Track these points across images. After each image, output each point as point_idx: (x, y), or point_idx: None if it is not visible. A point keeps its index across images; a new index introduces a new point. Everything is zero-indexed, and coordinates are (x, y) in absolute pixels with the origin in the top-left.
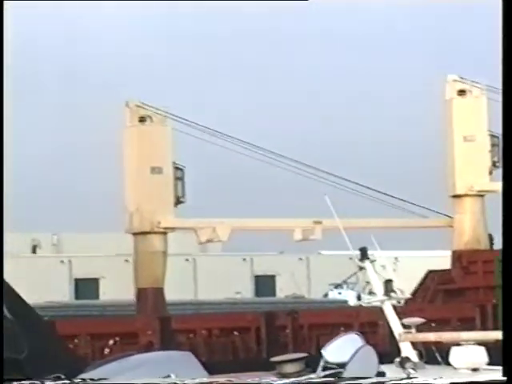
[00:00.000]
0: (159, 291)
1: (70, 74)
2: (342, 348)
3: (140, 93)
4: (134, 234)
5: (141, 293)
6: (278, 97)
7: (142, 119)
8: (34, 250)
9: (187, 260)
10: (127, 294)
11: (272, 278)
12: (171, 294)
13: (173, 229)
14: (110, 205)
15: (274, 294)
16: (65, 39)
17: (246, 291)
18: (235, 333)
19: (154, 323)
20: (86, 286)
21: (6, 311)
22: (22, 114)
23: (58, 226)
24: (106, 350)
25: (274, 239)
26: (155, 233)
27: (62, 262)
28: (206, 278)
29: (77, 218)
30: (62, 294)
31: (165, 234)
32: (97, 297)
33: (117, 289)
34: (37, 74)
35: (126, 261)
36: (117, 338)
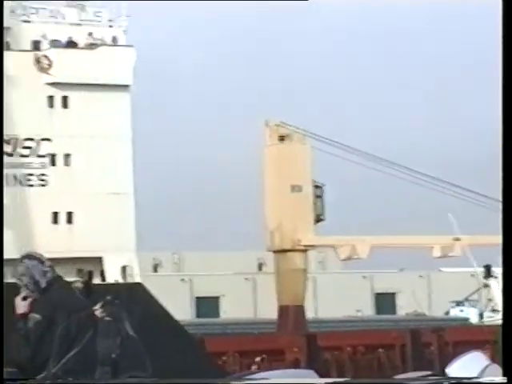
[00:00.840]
0: (300, 308)
1: (211, 93)
2: (467, 366)
3: (279, 112)
4: (275, 251)
5: (282, 310)
6: (416, 114)
7: (281, 138)
8: (155, 269)
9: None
10: (248, 313)
11: (392, 295)
12: None
13: (313, 246)
14: (234, 223)
15: (394, 311)
16: (204, 60)
17: (366, 309)
18: (380, 350)
19: (300, 340)
20: (206, 304)
21: (130, 330)
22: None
23: (180, 244)
24: (254, 367)
25: (394, 256)
26: (296, 250)
27: (182, 280)
28: (326, 296)
29: (199, 236)
30: (184, 312)
31: (305, 251)
32: (217, 315)
33: (237, 307)
34: (177, 91)
35: (246, 279)
36: (264, 356)
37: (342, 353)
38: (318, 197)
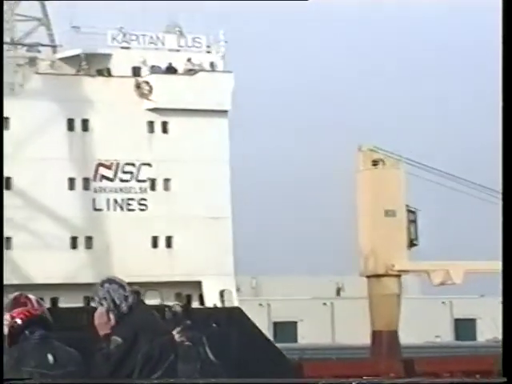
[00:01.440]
0: (394, 334)
1: (304, 118)
2: None
3: (372, 137)
4: (368, 276)
5: (375, 335)
6: None
7: (375, 163)
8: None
9: (443, 303)
10: (325, 338)
11: (472, 321)
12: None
13: (407, 271)
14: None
15: (474, 337)
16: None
17: (445, 335)
18: (477, 376)
19: (397, 366)
20: (284, 329)
21: (210, 354)
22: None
23: (258, 268)
24: None
25: (474, 282)
26: (389, 275)
27: (260, 305)
28: (405, 321)
29: (277, 260)
30: None
31: (399, 276)
32: (295, 340)
33: (315, 332)
34: (271, 116)
35: (324, 304)
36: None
37: (439, 378)
38: (412, 222)
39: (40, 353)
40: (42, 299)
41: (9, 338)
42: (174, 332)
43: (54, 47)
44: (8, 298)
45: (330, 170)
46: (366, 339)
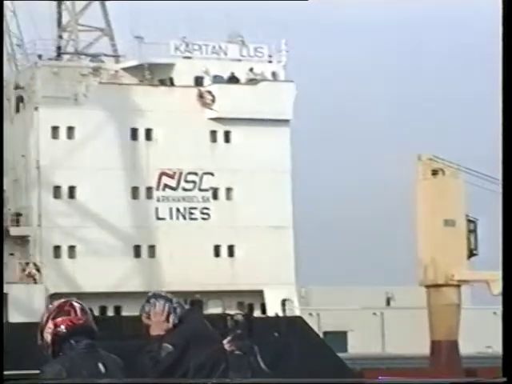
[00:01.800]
0: (453, 344)
1: (364, 127)
2: None
3: (432, 146)
4: (428, 286)
5: (435, 345)
6: None
7: (434, 172)
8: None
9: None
10: (375, 348)
11: None
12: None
13: (466, 281)
14: (363, 257)
15: None
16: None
17: (496, 345)
18: None
19: (460, 376)
20: (334, 339)
21: (262, 364)
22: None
23: (308, 278)
24: None
25: None
26: (449, 285)
27: (310, 314)
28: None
29: (327, 270)
30: None
31: (458, 286)
32: (345, 350)
33: (365, 342)
34: (332, 124)
35: (374, 314)
36: None
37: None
38: (472, 231)
39: (90, 362)
40: (91, 309)
41: (52, 345)
42: (225, 341)
43: (116, 57)
44: (53, 304)
45: (390, 180)
46: (416, 349)
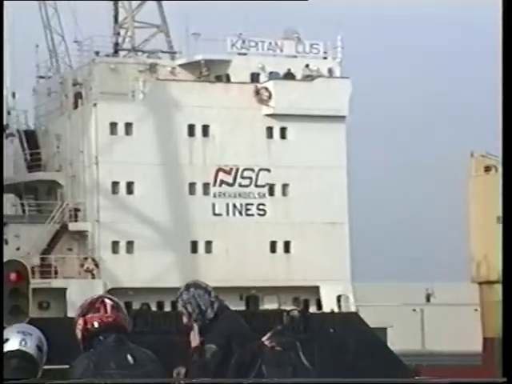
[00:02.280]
0: None
1: (417, 123)
2: None
3: (484, 143)
4: (480, 283)
5: (487, 342)
6: None
7: (487, 169)
8: None
9: (476, 310)
10: (415, 344)
11: None
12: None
13: None
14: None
15: None
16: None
17: None
18: None
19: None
20: None
21: (304, 360)
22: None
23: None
24: None
25: None
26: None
27: None
28: None
29: (368, 266)
30: None
31: None
32: None
33: (405, 338)
34: (385, 119)
35: (414, 310)
36: None
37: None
38: None
39: (119, 354)
40: (129, 303)
41: (82, 341)
42: (265, 338)
43: (173, 54)
44: (86, 300)
45: (443, 176)
46: (456, 346)
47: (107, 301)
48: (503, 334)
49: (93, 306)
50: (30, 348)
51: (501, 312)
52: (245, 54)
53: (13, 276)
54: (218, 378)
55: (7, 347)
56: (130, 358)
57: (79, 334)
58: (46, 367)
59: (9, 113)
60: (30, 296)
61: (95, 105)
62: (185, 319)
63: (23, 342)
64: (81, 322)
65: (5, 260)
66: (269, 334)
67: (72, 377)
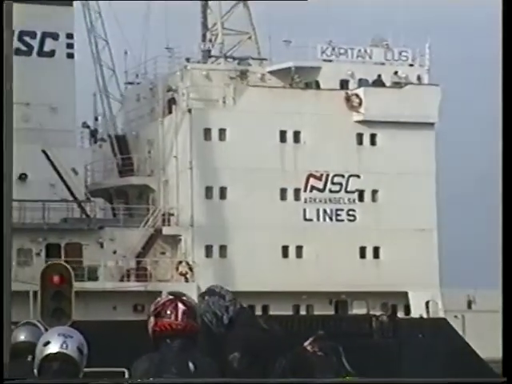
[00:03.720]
0: None
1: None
2: None
3: None
4: None
5: None
6: None
7: None
8: None
9: None
10: None
11: None
12: None
13: None
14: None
15: None
16: None
17: None
18: None
19: None
20: None
21: (347, 365)
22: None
23: None
24: None
25: None
26: None
27: None
28: None
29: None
30: None
31: None
32: None
33: None
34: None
35: (455, 317)
36: None
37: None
38: None
39: (181, 360)
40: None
41: (152, 339)
42: (306, 343)
43: (263, 60)
44: (161, 297)
45: None
46: (497, 353)
47: (180, 306)
48: (503, 333)
49: (165, 307)
50: (71, 350)
51: None
52: (330, 61)
53: (56, 279)
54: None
55: (48, 350)
56: (191, 365)
57: (150, 331)
58: (86, 370)
59: (96, 118)
60: (73, 299)
61: (190, 111)
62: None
63: (64, 345)
64: (152, 320)
65: (48, 263)
66: (311, 339)
67: (133, 376)
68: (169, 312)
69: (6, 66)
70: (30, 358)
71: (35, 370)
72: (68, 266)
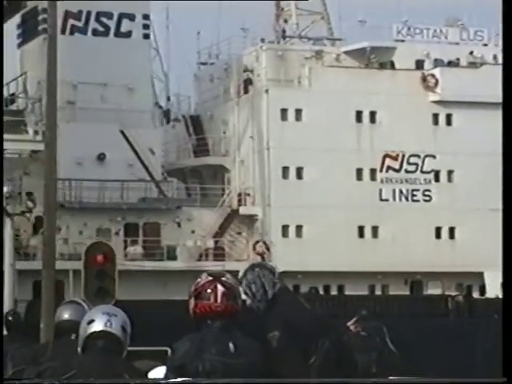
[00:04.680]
0: None
1: None
2: None
3: None
4: None
5: None
6: None
7: None
8: None
9: None
10: None
11: None
12: None
13: None
14: None
15: None
16: None
17: None
18: None
19: None
20: None
21: (390, 345)
22: None
23: None
24: None
25: None
26: None
27: None
28: None
29: None
30: None
31: None
32: None
33: None
34: None
35: None
36: None
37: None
38: None
39: (221, 341)
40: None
41: (195, 322)
42: (350, 323)
43: (337, 40)
44: (201, 278)
45: None
46: None
47: (219, 287)
48: (503, 333)
49: (205, 289)
50: (115, 329)
51: None
52: (402, 41)
53: (100, 258)
54: (289, 363)
55: (92, 328)
56: (231, 346)
57: (190, 312)
58: (130, 348)
59: (168, 98)
60: (117, 278)
61: (267, 91)
62: (248, 301)
63: (108, 323)
64: (192, 301)
65: (91, 242)
66: (354, 319)
67: (174, 356)
68: (208, 294)
69: (50, 46)
70: (73, 336)
71: (79, 349)
72: (112, 246)
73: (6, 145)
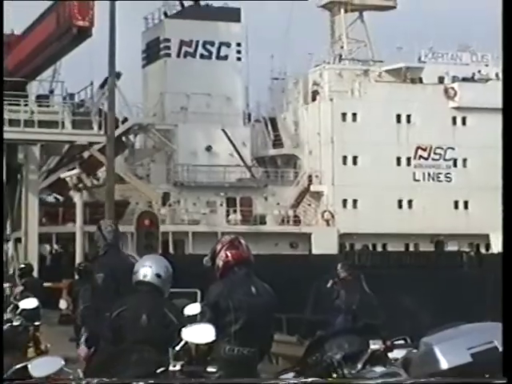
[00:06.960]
0: None
1: None
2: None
3: None
4: None
5: None
6: None
7: None
8: None
9: None
10: None
11: None
12: None
13: None
14: None
15: None
16: None
17: None
18: None
19: None
20: None
21: (366, 288)
22: None
23: None
24: None
25: None
26: None
27: None
28: None
29: None
30: None
31: None
32: None
33: None
34: None
35: None
36: None
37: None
38: None
39: (246, 285)
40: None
41: (222, 269)
42: (338, 266)
43: (378, 62)
44: (225, 238)
45: None
46: None
47: (242, 241)
48: (503, 333)
49: (233, 243)
50: (151, 278)
51: None
52: (424, 62)
53: (147, 222)
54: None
55: (137, 278)
56: (253, 289)
57: (220, 264)
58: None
59: (247, 105)
60: (160, 238)
61: (331, 99)
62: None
63: (145, 274)
64: (223, 254)
65: (141, 211)
66: (340, 265)
67: (209, 296)
68: (237, 245)
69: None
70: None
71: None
72: (156, 213)
73: (75, 138)
